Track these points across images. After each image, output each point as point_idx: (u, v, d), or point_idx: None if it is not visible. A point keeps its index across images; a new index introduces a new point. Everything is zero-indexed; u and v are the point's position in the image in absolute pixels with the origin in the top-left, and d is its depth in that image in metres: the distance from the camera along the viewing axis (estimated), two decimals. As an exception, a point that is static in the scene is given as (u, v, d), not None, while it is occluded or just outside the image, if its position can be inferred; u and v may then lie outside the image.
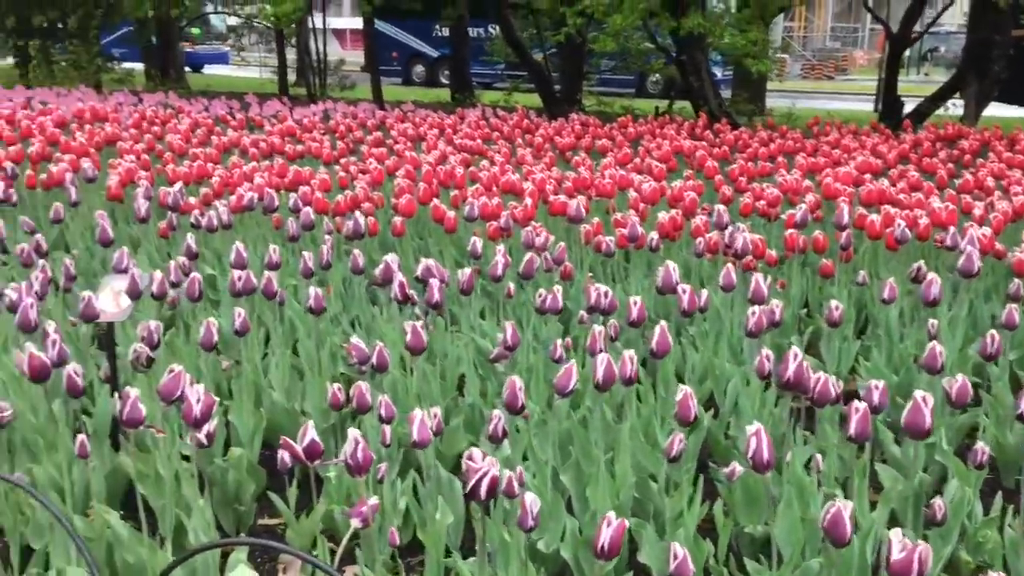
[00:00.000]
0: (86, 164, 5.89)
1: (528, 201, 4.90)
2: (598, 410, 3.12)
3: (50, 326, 3.11)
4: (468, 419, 3.61)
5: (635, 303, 3.21)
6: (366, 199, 5.40)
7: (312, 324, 4.04)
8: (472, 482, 2.12)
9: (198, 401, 2.57)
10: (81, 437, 2.86)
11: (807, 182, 5.73)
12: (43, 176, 5.94)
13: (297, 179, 5.66)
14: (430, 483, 3.00)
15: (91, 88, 12.95)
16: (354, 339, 3.31)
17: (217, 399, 2.63)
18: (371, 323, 4.37)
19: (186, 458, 3.36)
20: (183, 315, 4.14)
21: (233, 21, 24.87)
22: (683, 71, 13.17)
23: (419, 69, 26.30)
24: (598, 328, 3.05)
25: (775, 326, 3.33)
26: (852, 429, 2.38)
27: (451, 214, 4.98)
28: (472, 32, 20.53)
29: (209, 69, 28.03)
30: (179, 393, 2.78)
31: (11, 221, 5.41)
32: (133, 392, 2.60)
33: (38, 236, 4.36)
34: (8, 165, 5.95)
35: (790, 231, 4.59)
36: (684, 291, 3.32)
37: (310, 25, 19.53)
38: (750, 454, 2.30)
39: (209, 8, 20.52)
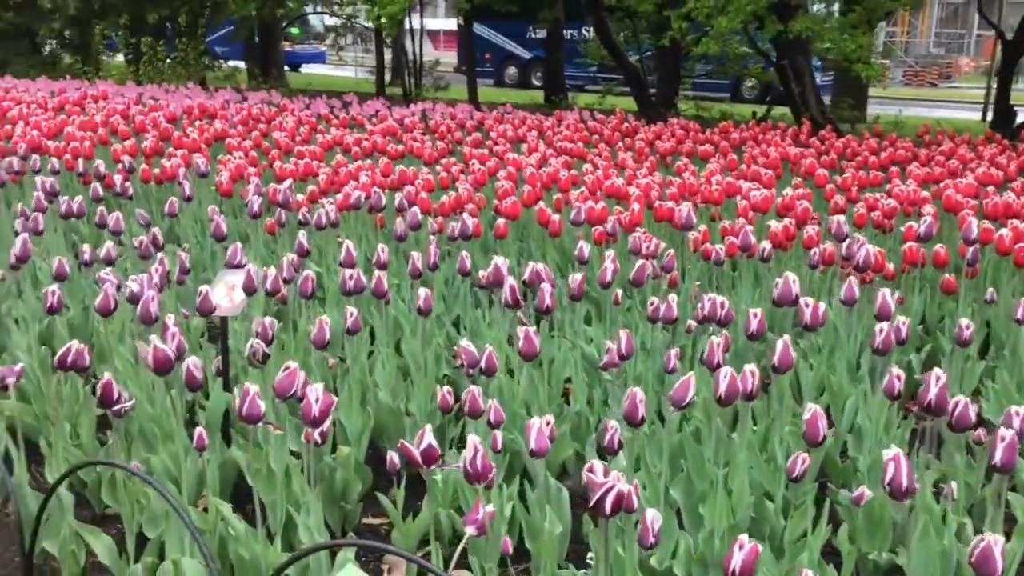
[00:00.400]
0: (199, 160, 6.02)
1: (635, 206, 4.81)
2: (713, 424, 3.02)
3: (169, 319, 3.15)
4: (574, 426, 3.55)
5: (755, 315, 3.09)
6: (469, 200, 5.38)
7: (419, 324, 4.03)
8: (596, 497, 2.05)
9: (317, 400, 2.56)
10: (199, 430, 2.89)
11: (923, 193, 5.50)
12: (156, 170, 6.09)
13: (402, 179, 5.67)
14: (538, 491, 2.95)
15: (197, 85, 13.32)
16: (464, 342, 3.27)
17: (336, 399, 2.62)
18: (476, 325, 4.35)
19: (295, 454, 3.38)
20: (291, 311, 4.17)
21: (331, 21, 25.30)
22: (783, 76, 12.85)
23: (511, 71, 26.35)
24: (716, 340, 2.95)
25: (901, 344, 3.18)
26: (998, 458, 2.24)
27: (556, 217, 4.92)
28: (566, 34, 20.46)
29: (307, 68, 28.58)
30: (293, 390, 2.79)
31: (125, 213, 5.57)
32: (252, 388, 2.61)
33: (154, 229, 4.45)
34: (126, 159, 6.11)
35: (909, 244, 4.40)
36: (807, 304, 3.20)
37: (407, 26, 19.80)
38: (887, 479, 2.18)
39: (310, 8, 20.85)
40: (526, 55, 25.87)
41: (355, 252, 4.06)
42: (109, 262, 4.21)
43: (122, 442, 3.26)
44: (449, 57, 26.92)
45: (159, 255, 4.07)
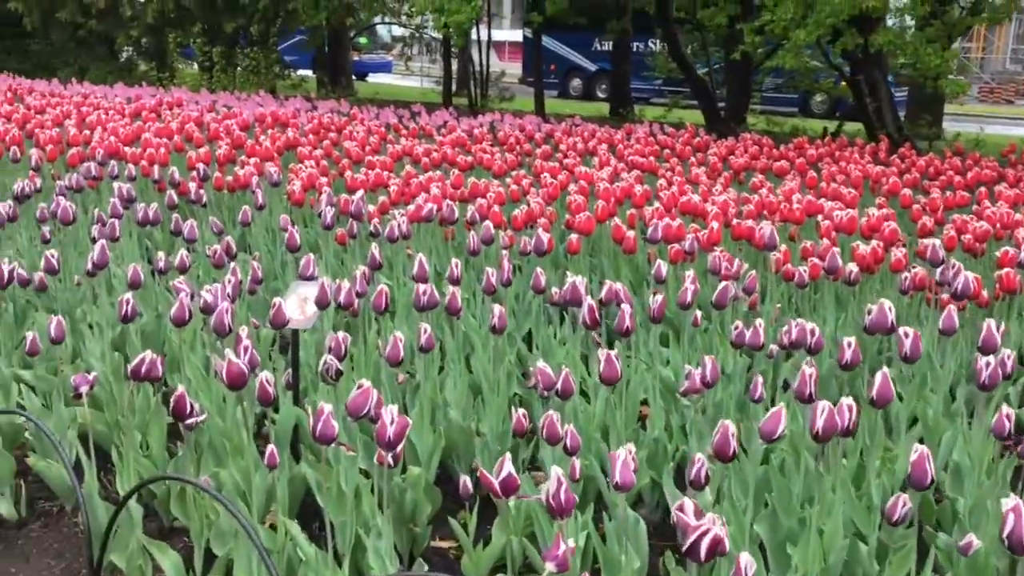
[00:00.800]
0: (271, 168, 6.01)
1: (714, 225, 4.65)
2: (803, 459, 2.86)
3: (242, 331, 3.09)
4: (651, 453, 3.41)
5: (849, 345, 2.92)
6: (541, 214, 5.27)
7: (490, 341, 3.93)
8: (691, 541, 1.91)
9: (392, 422, 2.47)
10: (271, 447, 2.82)
11: (1016, 215, 5.24)
12: (229, 178, 6.10)
13: (473, 191, 5.59)
14: (617, 522, 2.81)
15: (268, 93, 13.46)
16: (539, 363, 3.16)
17: (410, 421, 2.53)
18: (547, 343, 4.23)
19: (365, 472, 3.30)
20: (361, 325, 4.10)
21: (399, 32, 25.51)
22: (857, 91, 12.54)
23: (576, 82, 26.29)
24: (808, 370, 2.79)
25: (1007, 378, 2.98)
26: None
27: (630, 234, 4.78)
28: (632, 47, 20.27)
29: (373, 77, 28.84)
30: (367, 410, 2.70)
31: (198, 220, 5.57)
32: (326, 408, 2.53)
33: (228, 238, 4.42)
34: (200, 167, 6.14)
35: (1005, 270, 4.17)
36: (906, 334, 3.01)
37: (474, 37, 19.82)
38: (1007, 532, 2.01)
39: (378, 19, 21.02)
40: (591, 67, 25.79)
41: (428, 267, 3.98)
42: (183, 270, 4.19)
43: (192, 455, 3.21)
44: (514, 68, 26.89)
45: (232, 264, 4.04)
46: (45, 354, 3.87)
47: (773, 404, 3.23)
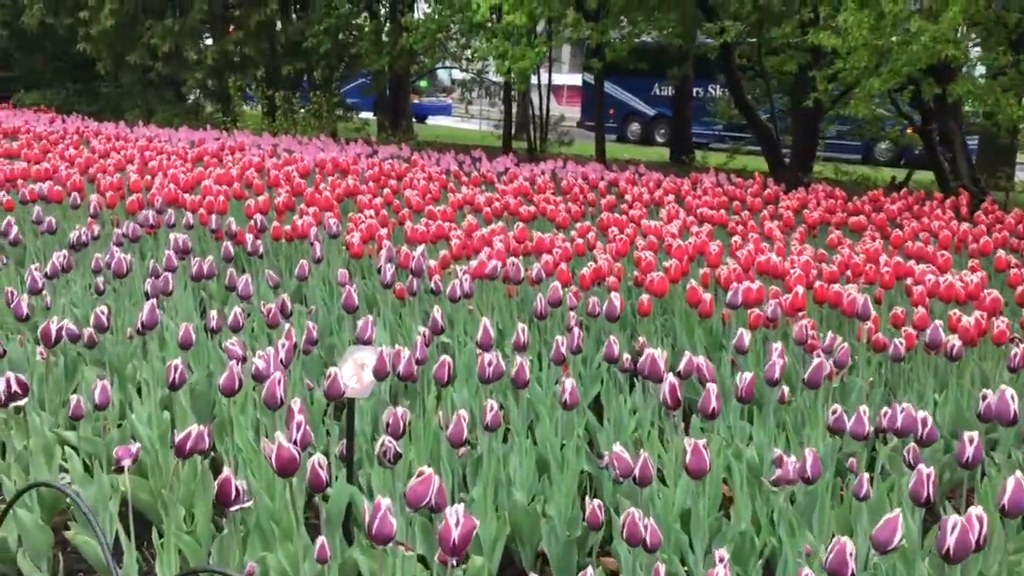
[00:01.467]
0: (331, 220, 5.82)
1: (799, 289, 4.31)
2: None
3: (295, 404, 2.84)
4: (737, 547, 3.07)
5: (971, 440, 2.57)
6: (610, 271, 4.99)
7: (558, 413, 3.64)
8: None
9: (457, 524, 2.19)
10: (321, 539, 2.56)
11: None
12: (287, 227, 5.93)
13: (539, 246, 5.33)
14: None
15: (329, 137, 13.45)
16: (616, 447, 2.85)
17: (463, 503, 2.24)
18: (619, 414, 3.92)
19: (423, 560, 3.02)
20: (420, 390, 3.84)
21: (458, 75, 25.57)
22: (928, 140, 12.12)
23: (635, 127, 26.16)
24: (925, 470, 2.44)
25: None
26: None
27: (706, 297, 4.47)
28: (692, 91, 20.01)
29: (432, 120, 28.94)
30: (427, 499, 2.43)
31: (254, 271, 5.39)
32: (384, 503, 2.26)
33: (284, 296, 4.21)
34: (258, 217, 5.99)
35: (1126, 346, 3.77)
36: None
37: (533, 81, 19.75)
38: None
39: (439, 63, 21.07)
40: (650, 112, 25.65)
41: (492, 331, 3.71)
42: (236, 329, 3.98)
43: (237, 536, 2.96)
44: (572, 112, 26.80)
45: (286, 325, 3.81)
46: (91, 414, 3.68)
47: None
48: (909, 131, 13.39)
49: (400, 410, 2.97)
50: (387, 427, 2.91)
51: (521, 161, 11.05)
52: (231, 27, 16.31)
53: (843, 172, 13.76)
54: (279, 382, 2.95)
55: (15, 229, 5.52)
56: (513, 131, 22.89)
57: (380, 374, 3.17)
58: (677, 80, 17.78)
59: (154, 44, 15.53)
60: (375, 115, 18.66)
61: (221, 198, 6.51)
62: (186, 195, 6.67)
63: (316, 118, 15.00)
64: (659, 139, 24.73)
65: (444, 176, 8.64)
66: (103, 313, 4.02)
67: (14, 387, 3.17)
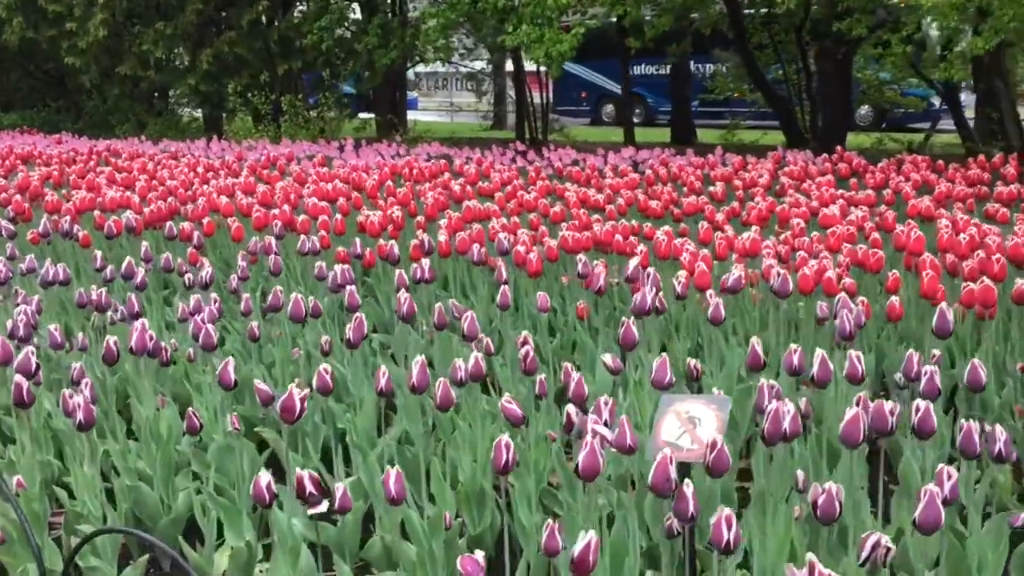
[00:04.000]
0: (502, 237, 4.95)
1: None
2: None
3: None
4: None
5: None
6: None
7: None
8: None
9: None
10: None
11: None
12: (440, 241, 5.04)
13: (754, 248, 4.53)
14: None
15: (330, 140, 12.25)
16: None
17: None
18: None
19: None
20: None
21: (421, 68, 24.52)
22: (952, 102, 11.77)
23: (609, 108, 25.29)
24: None
25: None
26: None
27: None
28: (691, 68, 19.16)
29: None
30: None
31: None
32: None
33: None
34: (424, 237, 5.03)
35: None
36: None
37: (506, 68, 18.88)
38: None
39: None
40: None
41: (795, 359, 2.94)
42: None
43: None
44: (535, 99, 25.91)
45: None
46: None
47: None
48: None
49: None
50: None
51: (529, 150, 9.98)
52: (222, 28, 15.09)
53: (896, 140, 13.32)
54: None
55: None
56: (494, 122, 22.03)
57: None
58: (677, 57, 17.03)
59: (146, 51, 14.26)
60: (372, 113, 17.52)
61: (337, 216, 5.62)
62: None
63: (324, 120, 13.96)
64: (635, 120, 23.98)
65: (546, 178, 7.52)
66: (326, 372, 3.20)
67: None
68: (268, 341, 4.30)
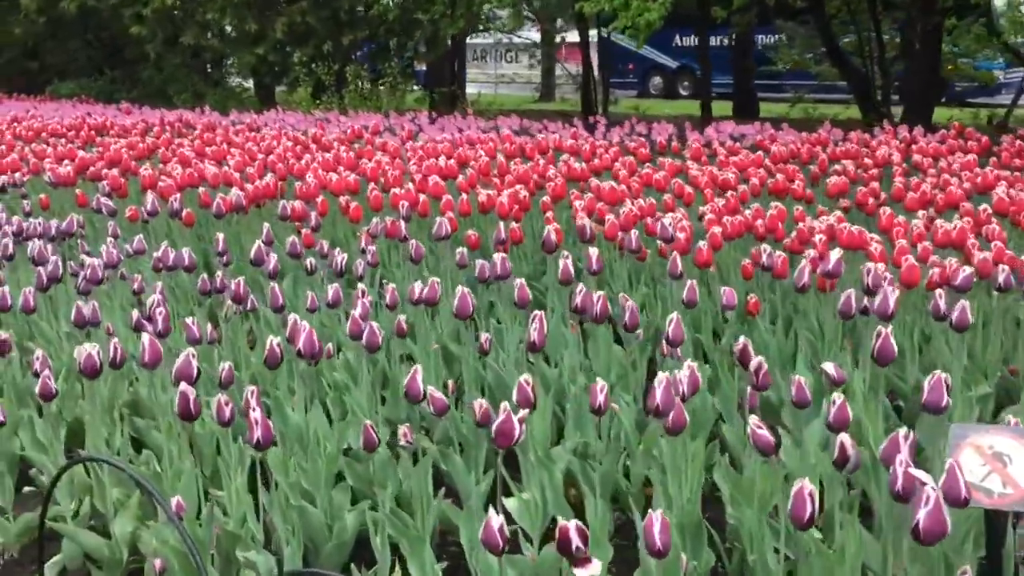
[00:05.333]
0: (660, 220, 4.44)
1: None
2: None
3: None
4: None
5: None
6: None
7: None
8: None
9: None
10: None
11: None
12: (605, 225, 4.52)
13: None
14: None
15: (396, 112, 11.71)
16: None
17: None
18: None
19: None
20: None
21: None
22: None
23: (657, 80, 24.30)
24: None
25: None
26: None
27: None
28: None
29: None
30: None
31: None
32: None
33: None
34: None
35: None
36: None
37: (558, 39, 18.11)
38: None
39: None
40: (672, 64, 23.82)
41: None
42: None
43: None
44: (573, 70, 25.15)
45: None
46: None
47: None
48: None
49: None
50: None
51: (613, 125, 9.29)
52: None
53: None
54: None
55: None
56: (540, 94, 21.26)
57: None
58: (742, 28, 16.21)
59: (211, 19, 13.72)
60: (426, 86, 16.91)
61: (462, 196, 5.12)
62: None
63: (392, 91, 13.39)
64: (683, 92, 23.09)
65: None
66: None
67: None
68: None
